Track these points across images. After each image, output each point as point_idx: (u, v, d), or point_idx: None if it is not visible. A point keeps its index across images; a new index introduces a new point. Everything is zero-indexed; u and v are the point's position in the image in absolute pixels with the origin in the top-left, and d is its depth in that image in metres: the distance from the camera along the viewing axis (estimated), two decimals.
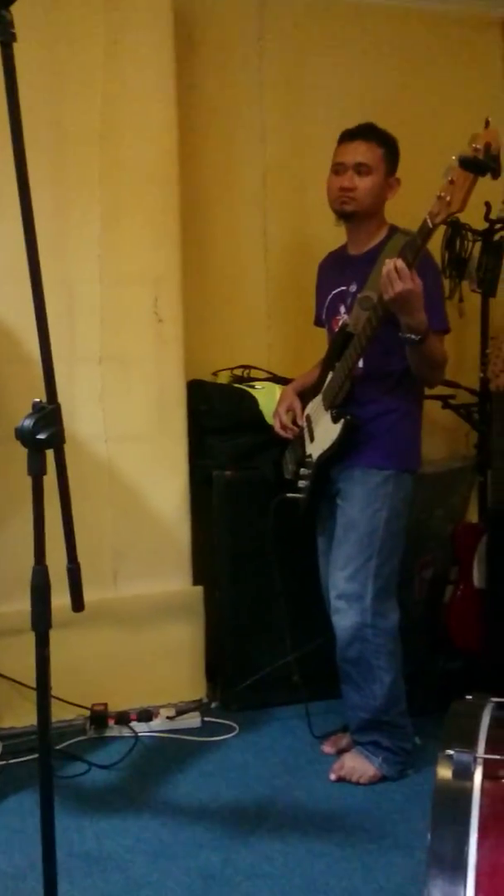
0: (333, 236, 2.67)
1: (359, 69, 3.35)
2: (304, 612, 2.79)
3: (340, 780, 2.53)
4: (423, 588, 3.09)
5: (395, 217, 2.56)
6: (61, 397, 1.51)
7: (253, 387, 3.09)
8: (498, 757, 1.24)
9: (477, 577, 2.97)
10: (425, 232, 2.21)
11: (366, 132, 2.52)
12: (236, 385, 3.12)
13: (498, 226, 3.06)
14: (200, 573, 3.05)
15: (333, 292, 2.63)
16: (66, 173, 2.83)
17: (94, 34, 2.82)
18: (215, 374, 3.18)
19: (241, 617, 2.98)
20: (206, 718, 2.91)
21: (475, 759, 1.24)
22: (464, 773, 1.22)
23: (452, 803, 1.20)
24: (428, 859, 1.15)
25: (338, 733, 2.73)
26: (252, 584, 2.95)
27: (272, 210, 3.32)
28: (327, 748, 2.71)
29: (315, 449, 2.60)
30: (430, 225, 2.18)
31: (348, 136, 2.54)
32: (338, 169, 2.53)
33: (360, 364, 2.48)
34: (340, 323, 2.56)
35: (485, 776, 1.22)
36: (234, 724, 2.86)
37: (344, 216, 2.56)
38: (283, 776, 2.58)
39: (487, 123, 2.11)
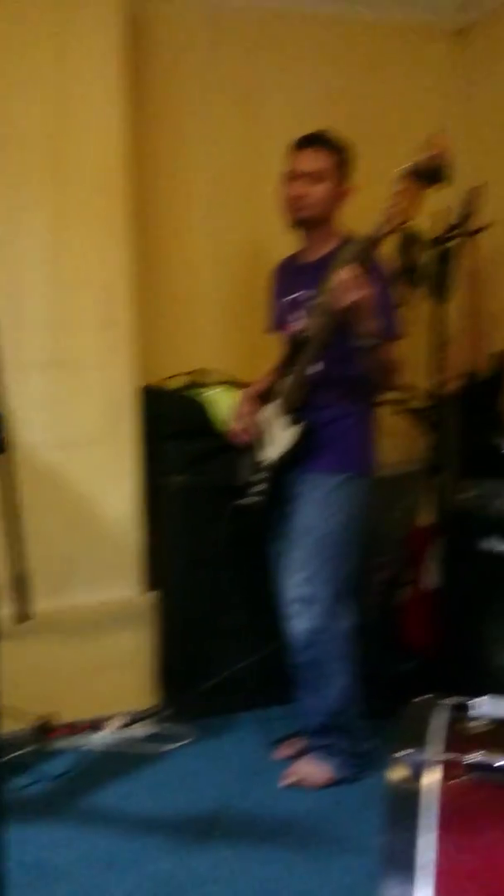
0: (287, 242, 2.68)
1: (312, 77, 3.38)
2: (259, 616, 2.79)
3: (296, 784, 2.53)
4: (378, 590, 3.11)
5: (349, 224, 2.58)
6: (9, 403, 1.50)
7: (207, 392, 3.09)
8: (451, 757, 1.25)
9: (431, 579, 3.00)
10: (376, 240, 2.23)
11: (318, 140, 2.53)
12: (190, 390, 3.11)
13: (449, 234, 3.09)
14: (154, 580, 3.02)
15: (287, 298, 2.63)
16: (15, 177, 2.80)
17: (44, 40, 2.80)
18: (168, 379, 3.17)
19: (196, 623, 2.97)
20: (159, 727, 2.88)
21: (428, 759, 1.25)
22: (417, 773, 1.23)
23: (406, 804, 1.21)
24: (382, 860, 1.16)
25: (293, 737, 2.73)
26: (206, 589, 2.93)
27: (225, 215, 3.32)
28: (283, 753, 2.70)
29: (271, 454, 2.60)
30: (381, 233, 2.20)
31: (301, 144, 2.55)
32: (290, 176, 2.54)
33: (315, 369, 2.49)
34: (295, 329, 2.57)
35: (438, 776, 1.23)
36: (189, 732, 2.84)
37: (297, 223, 2.57)
38: (239, 782, 2.57)
39: (437, 133, 2.14)
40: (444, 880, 1.12)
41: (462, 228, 3.10)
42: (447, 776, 1.22)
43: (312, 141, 2.54)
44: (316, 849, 2.21)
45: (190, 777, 2.60)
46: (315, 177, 2.50)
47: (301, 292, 2.58)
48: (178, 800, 2.47)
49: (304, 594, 2.50)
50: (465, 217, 3.09)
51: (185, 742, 2.80)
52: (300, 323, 2.53)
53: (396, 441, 3.34)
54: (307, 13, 3.37)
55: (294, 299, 2.61)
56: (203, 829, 2.32)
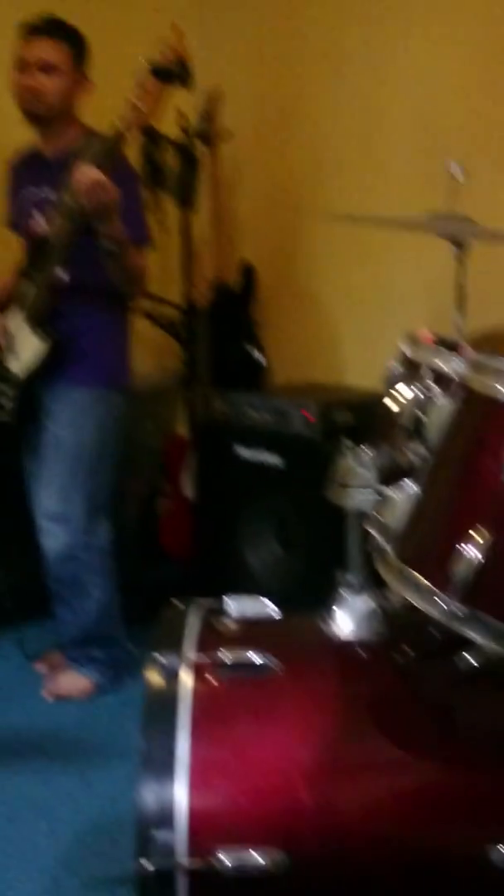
0: (24, 131, 2.48)
1: None
2: (13, 533, 2.69)
3: (57, 697, 2.53)
4: (135, 502, 3.12)
5: (86, 119, 2.44)
6: None
7: None
8: (205, 657, 1.28)
9: (187, 489, 3.05)
10: (117, 138, 2.14)
11: (51, 28, 2.35)
12: None
13: (192, 139, 3.04)
14: None
15: (27, 195, 2.46)
16: None
17: None
18: None
19: None
20: None
21: (182, 660, 1.27)
22: (172, 675, 1.26)
23: (162, 706, 1.23)
24: (139, 762, 1.18)
25: (51, 651, 2.71)
26: None
27: None
28: (41, 667, 2.68)
29: (17, 366, 2.47)
30: (122, 131, 2.11)
31: (32, 32, 2.35)
32: (22, 66, 2.35)
33: (61, 274, 2.37)
34: (35, 230, 2.42)
35: (193, 677, 1.26)
36: None
37: (32, 117, 2.40)
38: None
39: (173, 32, 2.06)
40: (198, 775, 1.16)
41: (203, 134, 3.06)
42: (200, 676, 1.26)
43: (44, 29, 2.35)
44: (79, 758, 2.23)
45: None
46: (50, 68, 2.33)
47: (41, 190, 2.42)
48: None
49: (57, 511, 2.45)
50: (206, 122, 3.05)
51: None
52: (41, 224, 2.39)
53: (148, 352, 3.31)
54: None
55: (34, 196, 2.44)
56: None
